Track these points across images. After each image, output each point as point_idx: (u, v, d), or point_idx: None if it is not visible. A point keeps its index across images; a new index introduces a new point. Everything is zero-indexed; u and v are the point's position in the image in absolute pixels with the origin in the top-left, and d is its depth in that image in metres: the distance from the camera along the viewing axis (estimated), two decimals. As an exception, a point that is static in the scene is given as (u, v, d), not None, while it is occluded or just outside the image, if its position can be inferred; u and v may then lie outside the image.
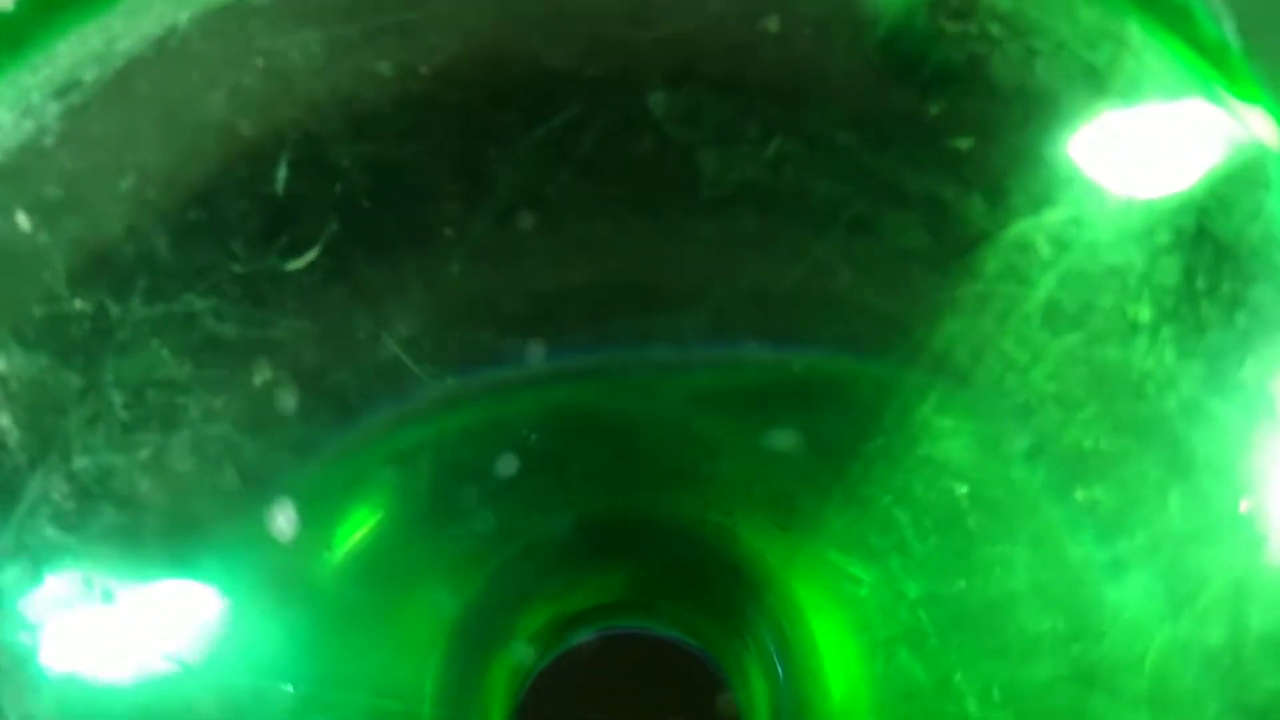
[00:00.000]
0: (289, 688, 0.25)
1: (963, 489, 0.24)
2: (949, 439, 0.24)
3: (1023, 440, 0.23)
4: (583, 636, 0.35)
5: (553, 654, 0.36)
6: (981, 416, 0.23)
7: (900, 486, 0.25)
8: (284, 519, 0.22)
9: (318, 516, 0.26)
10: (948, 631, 0.25)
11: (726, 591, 0.31)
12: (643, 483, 0.28)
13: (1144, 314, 0.21)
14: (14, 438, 0.20)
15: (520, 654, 0.31)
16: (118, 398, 0.22)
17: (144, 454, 0.22)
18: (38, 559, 0.21)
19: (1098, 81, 0.21)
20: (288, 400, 0.24)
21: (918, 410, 0.24)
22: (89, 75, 0.22)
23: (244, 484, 0.24)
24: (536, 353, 0.26)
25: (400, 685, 0.28)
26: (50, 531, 0.21)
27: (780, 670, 0.30)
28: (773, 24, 0.22)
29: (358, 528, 0.27)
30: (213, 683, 0.23)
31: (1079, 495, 0.22)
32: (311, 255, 0.23)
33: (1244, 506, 0.21)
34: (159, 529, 0.22)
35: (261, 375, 0.24)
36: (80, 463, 0.21)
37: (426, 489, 0.28)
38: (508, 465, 0.28)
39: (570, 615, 0.33)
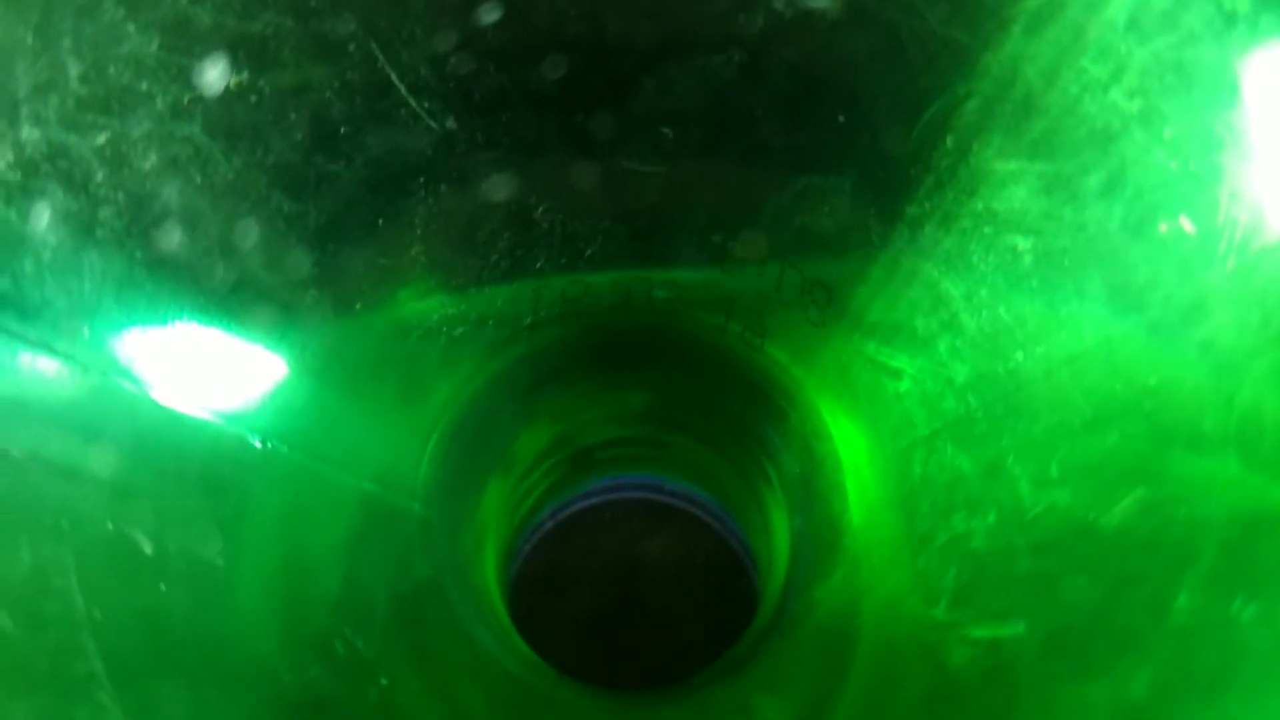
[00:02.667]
0: (257, 442, 0.22)
1: (1025, 244, 0.21)
2: (1012, 185, 0.21)
3: (1098, 174, 0.20)
4: (589, 480, 0.32)
5: (559, 510, 0.33)
6: (1051, 153, 0.20)
7: (953, 252, 0.22)
8: (215, 72, 0.19)
9: (318, 267, 0.23)
10: (1000, 413, 0.22)
11: (747, 420, 0.28)
12: (664, 259, 0.25)
13: (1242, 2, 0.18)
14: (-48, 88, 0.18)
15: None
16: (74, 67, 0.19)
17: (100, 139, 0.20)
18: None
19: None
20: (264, 110, 0.22)
21: (977, 156, 0.21)
22: None
23: (214, 199, 0.21)
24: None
25: (394, 478, 0.25)
26: (-11, 201, 0.18)
27: (802, 498, 0.27)
28: None
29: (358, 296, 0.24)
30: (163, 413, 0.20)
31: (1161, 228, 0.19)
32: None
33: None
34: (115, 229, 0.20)
35: (237, 75, 0.21)
36: (29, 133, 0.19)
37: (439, 259, 0.25)
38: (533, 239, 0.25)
39: (578, 448, 0.30)
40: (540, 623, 0.30)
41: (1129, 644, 0.18)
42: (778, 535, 0.29)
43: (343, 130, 0.22)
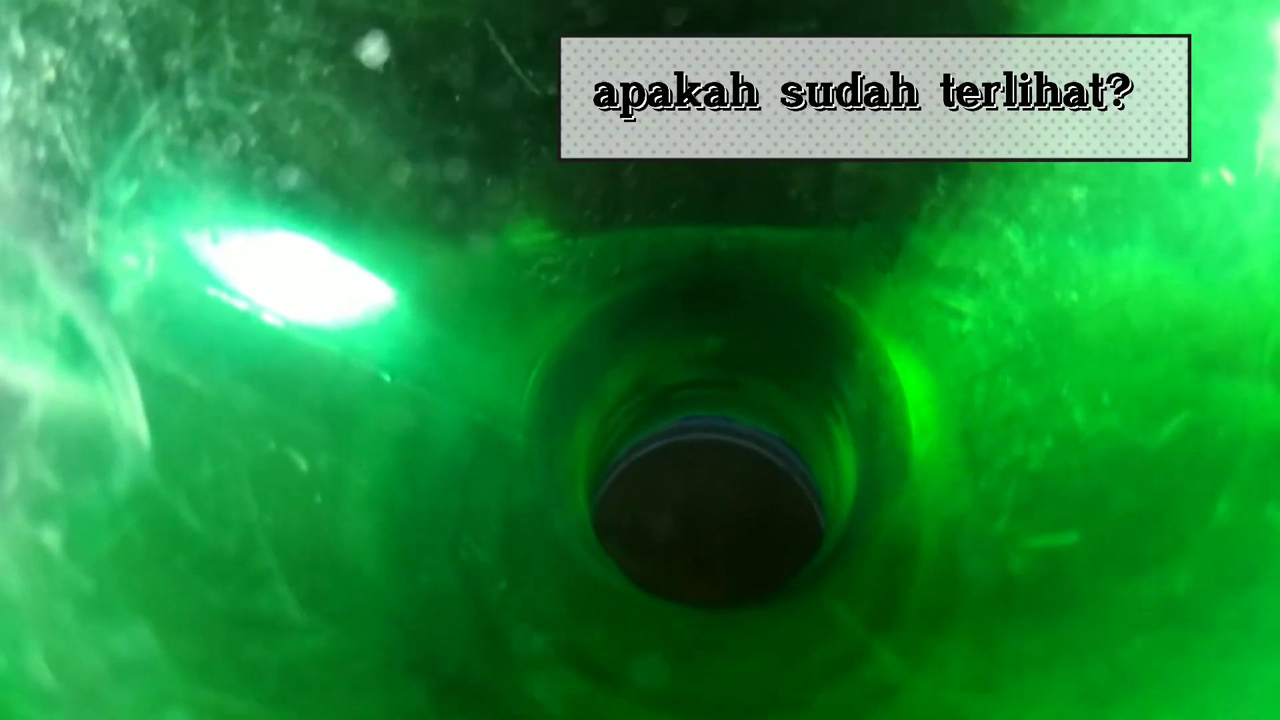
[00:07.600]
0: (386, 376, 0.25)
1: (1081, 194, 0.23)
2: (1068, 140, 0.23)
3: (1147, 130, 0.22)
4: (665, 419, 0.34)
5: (636, 449, 0.35)
6: (1104, 110, 0.22)
7: (1014, 203, 0.25)
8: (375, 47, 0.22)
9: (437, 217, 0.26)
10: (1056, 349, 0.24)
11: (816, 360, 0.31)
12: (742, 212, 0.28)
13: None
14: (131, 63, 0.21)
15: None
16: (230, 44, 0.22)
17: (253, 108, 0.22)
18: (149, 186, 0.21)
19: None
20: (395, 84, 0.24)
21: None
22: None
23: (350, 162, 0.24)
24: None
25: (502, 410, 0.28)
26: (163, 162, 0.21)
27: (868, 431, 0.30)
28: None
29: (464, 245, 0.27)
30: (313, 348, 0.23)
31: (1204, 179, 0.21)
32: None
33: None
34: (266, 187, 0.22)
35: (370, 51, 0.23)
36: (193, 102, 0.21)
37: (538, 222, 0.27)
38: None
39: (658, 389, 0.33)
40: (621, 555, 0.33)
41: (1173, 547, 0.20)
42: (844, 467, 0.31)
43: (458, 99, 0.25)
